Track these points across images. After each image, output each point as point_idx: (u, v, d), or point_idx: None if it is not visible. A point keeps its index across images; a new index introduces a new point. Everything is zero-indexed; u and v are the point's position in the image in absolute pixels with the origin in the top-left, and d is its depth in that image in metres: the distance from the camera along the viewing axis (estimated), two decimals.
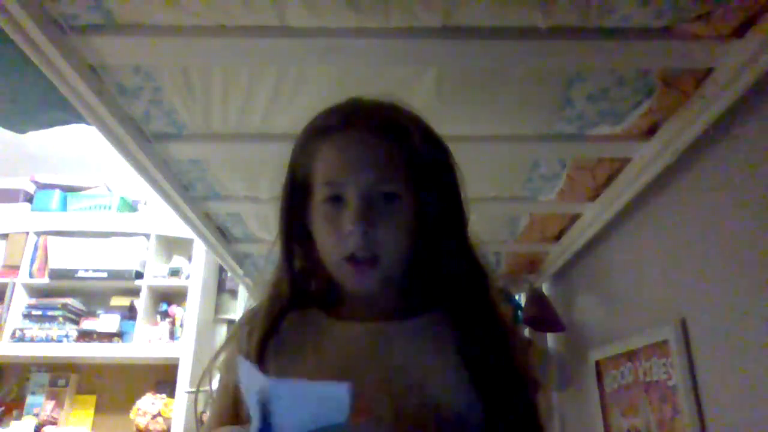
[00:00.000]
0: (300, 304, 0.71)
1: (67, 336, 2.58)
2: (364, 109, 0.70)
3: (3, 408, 2.61)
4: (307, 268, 0.74)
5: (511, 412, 0.63)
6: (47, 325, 2.60)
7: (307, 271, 0.74)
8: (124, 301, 2.68)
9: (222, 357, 0.73)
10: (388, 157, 0.67)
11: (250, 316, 0.74)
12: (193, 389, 2.44)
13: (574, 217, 1.69)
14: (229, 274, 2.76)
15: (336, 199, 0.66)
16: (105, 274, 2.64)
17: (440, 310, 0.69)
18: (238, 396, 0.65)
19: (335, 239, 0.66)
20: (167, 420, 2.45)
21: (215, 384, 0.73)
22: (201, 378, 0.72)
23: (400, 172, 0.67)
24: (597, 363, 1.67)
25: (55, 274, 2.64)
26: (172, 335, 2.62)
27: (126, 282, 2.64)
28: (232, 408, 0.67)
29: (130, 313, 2.66)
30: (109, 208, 2.82)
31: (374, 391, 0.61)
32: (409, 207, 0.67)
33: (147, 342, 2.59)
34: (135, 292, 2.65)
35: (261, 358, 0.66)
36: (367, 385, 0.61)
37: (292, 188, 0.71)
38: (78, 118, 1.13)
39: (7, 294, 2.63)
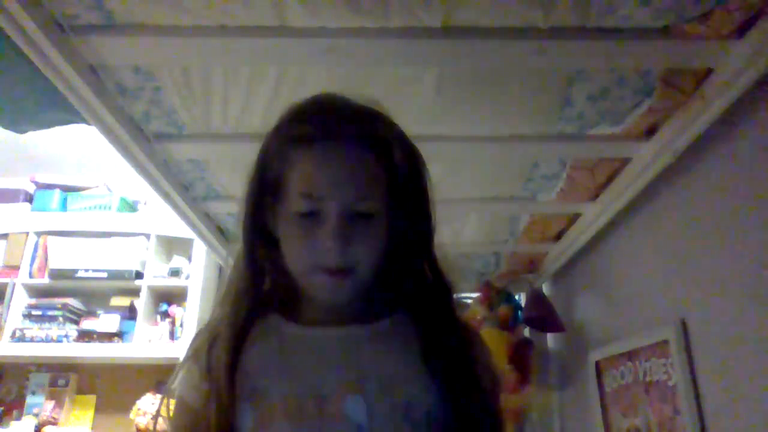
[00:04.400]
0: (259, 312, 0.70)
1: (67, 336, 2.58)
2: (343, 117, 0.67)
3: (3, 408, 2.60)
4: (266, 272, 0.72)
5: (470, 412, 0.65)
6: (47, 325, 2.59)
7: (266, 276, 0.72)
8: (124, 301, 2.68)
9: (181, 375, 0.71)
10: (369, 175, 0.66)
11: (209, 330, 0.71)
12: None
13: (574, 217, 1.69)
14: None
15: (312, 213, 0.64)
16: (105, 274, 2.63)
17: (402, 313, 0.70)
18: (198, 419, 0.65)
19: (309, 251, 0.64)
20: (167, 420, 2.45)
21: (173, 405, 0.71)
22: (161, 399, 0.70)
23: (379, 189, 0.66)
24: (597, 363, 1.67)
25: (55, 274, 2.63)
26: (172, 335, 2.62)
27: (126, 282, 2.63)
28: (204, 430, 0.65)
29: (130, 313, 2.65)
30: (109, 208, 2.82)
31: (347, 393, 0.62)
32: (384, 223, 0.67)
33: (147, 342, 2.59)
34: (135, 292, 2.64)
35: (231, 374, 0.64)
36: (339, 387, 0.62)
37: (260, 190, 0.69)
38: (78, 118, 1.13)
39: (7, 294, 2.62)
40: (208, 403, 0.64)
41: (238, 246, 0.71)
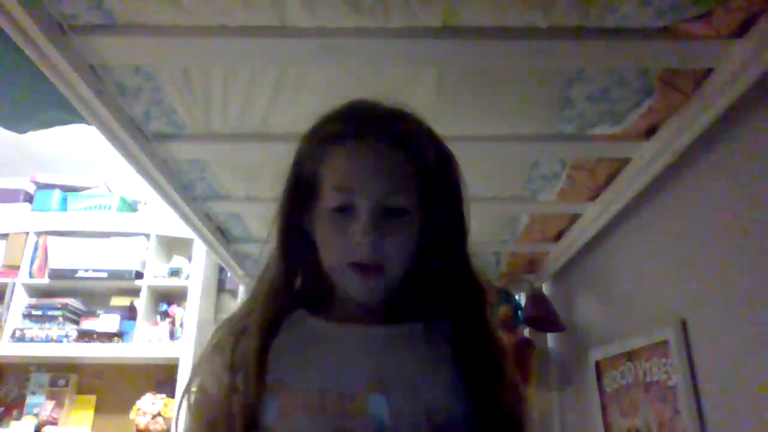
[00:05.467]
0: (288, 309, 0.71)
1: (67, 336, 2.58)
2: (377, 117, 0.69)
3: (3, 408, 2.60)
4: (299, 271, 0.73)
5: (495, 423, 0.64)
6: (47, 325, 2.60)
7: (298, 275, 0.73)
8: (124, 301, 2.68)
9: (203, 366, 0.71)
10: (401, 171, 0.67)
11: (232, 323, 0.72)
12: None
13: (574, 217, 1.69)
14: (229, 274, 2.76)
15: (345, 208, 0.65)
16: (105, 274, 2.63)
17: (430, 317, 0.70)
18: (220, 410, 0.65)
19: (342, 247, 0.66)
20: (167, 420, 2.45)
21: (194, 400, 0.70)
22: (182, 393, 0.70)
23: (411, 186, 0.67)
24: (597, 363, 1.67)
25: (55, 274, 2.64)
26: (172, 335, 2.62)
27: (126, 282, 2.64)
28: (221, 426, 0.65)
29: (130, 313, 2.66)
30: (109, 208, 2.82)
31: (370, 391, 0.62)
32: (416, 221, 0.68)
33: (147, 342, 2.59)
34: (135, 292, 2.65)
35: (260, 368, 0.64)
36: (362, 385, 0.62)
37: (295, 190, 0.71)
38: (78, 118, 1.13)
39: (7, 294, 2.62)
40: (231, 394, 0.65)
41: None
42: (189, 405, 0.69)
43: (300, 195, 0.70)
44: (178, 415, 0.70)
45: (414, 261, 0.69)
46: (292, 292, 0.72)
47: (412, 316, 0.70)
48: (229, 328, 0.72)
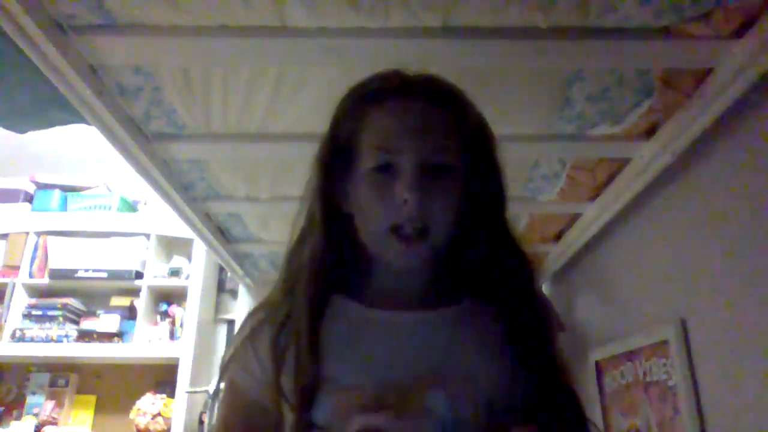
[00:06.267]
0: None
1: (67, 336, 2.58)
2: (415, 77, 0.67)
3: (3, 408, 2.60)
4: (336, 245, 0.67)
5: (561, 401, 0.63)
6: (47, 325, 2.59)
7: (335, 250, 0.67)
8: (124, 301, 2.68)
9: (238, 362, 0.66)
10: (445, 128, 0.64)
11: (267, 308, 0.67)
12: (194, 389, 2.44)
13: (574, 217, 1.69)
14: (229, 274, 2.76)
15: (386, 167, 0.62)
16: (105, 274, 2.63)
17: (470, 299, 0.67)
18: (252, 403, 0.63)
19: (384, 208, 0.61)
20: (167, 420, 2.45)
21: (222, 393, 0.67)
22: (213, 394, 0.68)
23: (454, 144, 0.64)
24: (597, 363, 1.67)
25: (55, 274, 2.64)
26: (172, 335, 2.62)
27: (126, 282, 2.64)
28: (256, 416, 0.63)
29: (130, 313, 2.66)
30: (109, 208, 2.82)
31: (427, 385, 0.59)
32: (459, 182, 0.65)
33: (147, 342, 2.59)
34: (135, 292, 2.65)
35: (316, 355, 0.60)
36: (418, 379, 0.59)
37: (331, 155, 0.67)
38: (78, 118, 1.13)
39: (7, 294, 2.62)
40: (274, 388, 0.60)
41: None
42: (220, 403, 0.66)
43: (334, 167, 0.67)
44: (211, 415, 0.68)
45: (457, 227, 0.65)
46: (330, 270, 0.66)
47: (451, 300, 0.67)
48: (266, 315, 0.67)
